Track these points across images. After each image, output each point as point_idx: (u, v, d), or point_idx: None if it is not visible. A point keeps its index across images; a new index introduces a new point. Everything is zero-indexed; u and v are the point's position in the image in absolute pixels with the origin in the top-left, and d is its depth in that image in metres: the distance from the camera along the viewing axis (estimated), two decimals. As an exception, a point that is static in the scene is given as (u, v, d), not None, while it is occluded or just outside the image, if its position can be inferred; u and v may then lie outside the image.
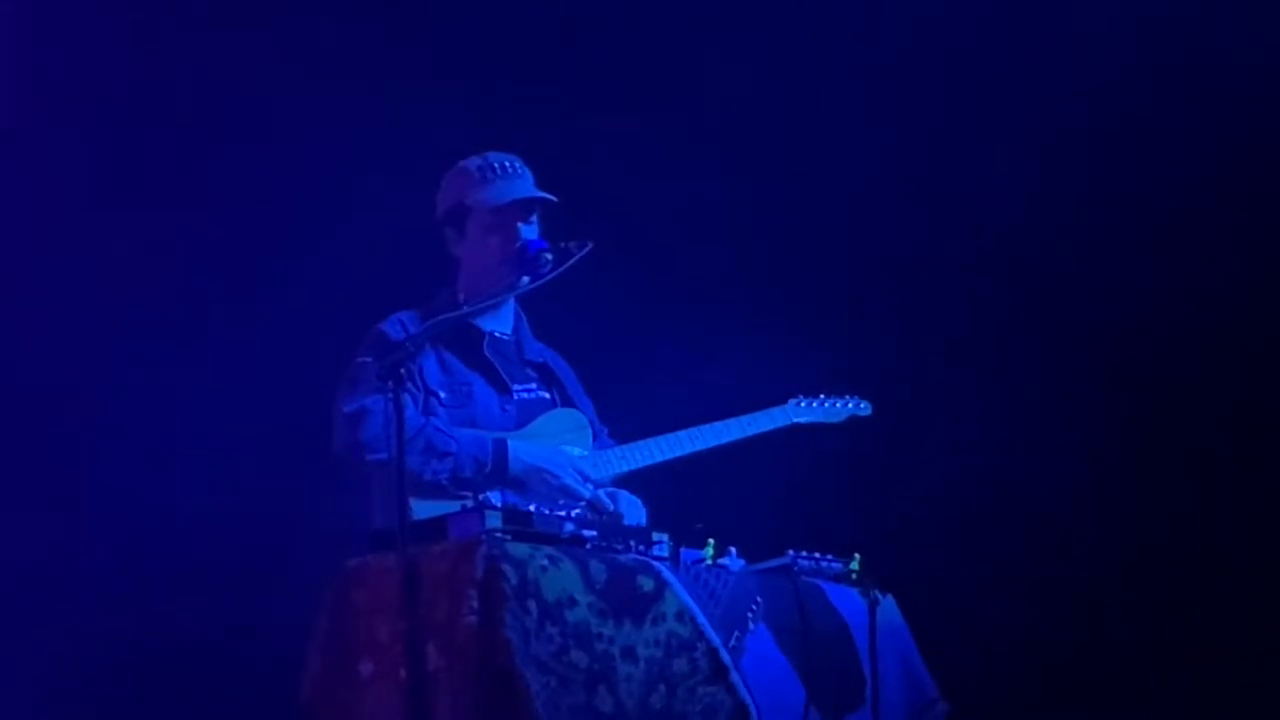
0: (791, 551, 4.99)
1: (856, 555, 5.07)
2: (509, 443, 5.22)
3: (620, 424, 5.62)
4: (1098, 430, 6.95)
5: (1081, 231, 7.06)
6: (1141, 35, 6.89)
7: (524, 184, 5.43)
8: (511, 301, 5.52)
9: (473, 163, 5.47)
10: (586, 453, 5.39)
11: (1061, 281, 7.07)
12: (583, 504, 5.18)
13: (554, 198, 5.40)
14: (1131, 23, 6.88)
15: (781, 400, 5.71)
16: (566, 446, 5.35)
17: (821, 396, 5.77)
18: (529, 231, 5.35)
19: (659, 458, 5.47)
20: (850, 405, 5.81)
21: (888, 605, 5.07)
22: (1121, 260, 7.02)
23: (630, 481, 5.45)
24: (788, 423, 5.70)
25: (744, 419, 5.60)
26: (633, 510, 5.34)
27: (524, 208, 5.38)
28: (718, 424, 5.55)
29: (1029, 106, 7.05)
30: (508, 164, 5.44)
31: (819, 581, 5.00)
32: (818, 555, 5.02)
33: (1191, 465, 6.87)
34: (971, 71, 7.06)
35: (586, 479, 5.28)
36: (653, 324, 6.99)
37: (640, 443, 5.48)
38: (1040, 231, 7.03)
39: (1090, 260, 7.06)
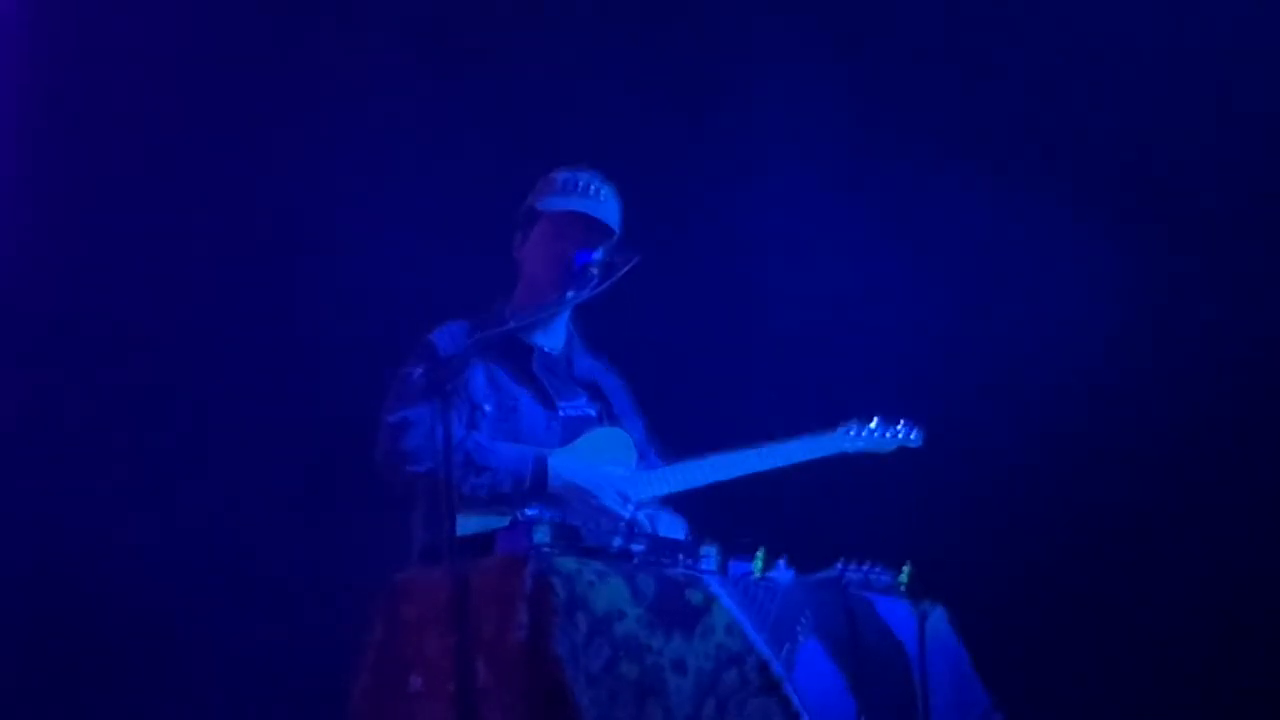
0: (840, 563, 4.99)
1: (906, 567, 5.05)
2: (549, 459, 5.16)
3: (671, 438, 5.57)
4: (1149, 433, 6.90)
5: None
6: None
7: (595, 206, 5.33)
8: (564, 317, 5.45)
9: (561, 173, 5.39)
10: (629, 472, 5.31)
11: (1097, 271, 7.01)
12: (622, 525, 5.07)
13: (614, 228, 5.32)
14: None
15: (833, 424, 5.56)
16: (608, 465, 5.27)
17: (874, 424, 5.58)
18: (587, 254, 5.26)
19: (701, 481, 5.34)
20: (901, 435, 5.61)
21: (937, 617, 5.05)
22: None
23: (673, 499, 5.37)
24: (837, 450, 5.53)
25: (791, 444, 5.43)
26: (673, 531, 5.26)
27: (586, 228, 5.28)
28: (764, 448, 5.39)
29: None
30: (593, 185, 5.34)
31: (868, 593, 4.99)
32: (867, 567, 5.02)
33: (1247, 471, 6.81)
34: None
35: (627, 499, 5.21)
36: (708, 339, 6.97)
37: (683, 464, 5.36)
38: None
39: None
